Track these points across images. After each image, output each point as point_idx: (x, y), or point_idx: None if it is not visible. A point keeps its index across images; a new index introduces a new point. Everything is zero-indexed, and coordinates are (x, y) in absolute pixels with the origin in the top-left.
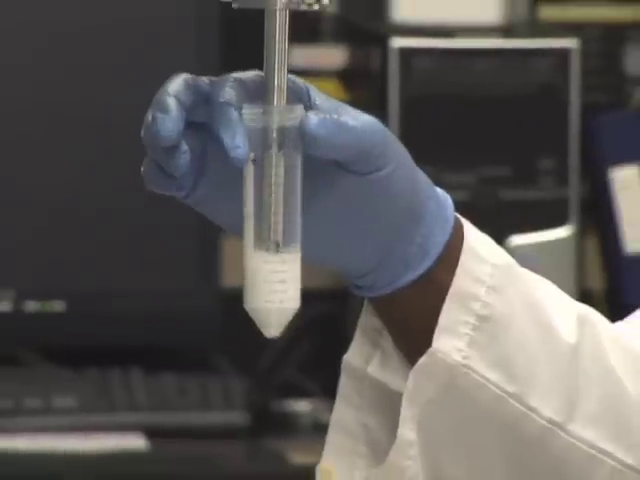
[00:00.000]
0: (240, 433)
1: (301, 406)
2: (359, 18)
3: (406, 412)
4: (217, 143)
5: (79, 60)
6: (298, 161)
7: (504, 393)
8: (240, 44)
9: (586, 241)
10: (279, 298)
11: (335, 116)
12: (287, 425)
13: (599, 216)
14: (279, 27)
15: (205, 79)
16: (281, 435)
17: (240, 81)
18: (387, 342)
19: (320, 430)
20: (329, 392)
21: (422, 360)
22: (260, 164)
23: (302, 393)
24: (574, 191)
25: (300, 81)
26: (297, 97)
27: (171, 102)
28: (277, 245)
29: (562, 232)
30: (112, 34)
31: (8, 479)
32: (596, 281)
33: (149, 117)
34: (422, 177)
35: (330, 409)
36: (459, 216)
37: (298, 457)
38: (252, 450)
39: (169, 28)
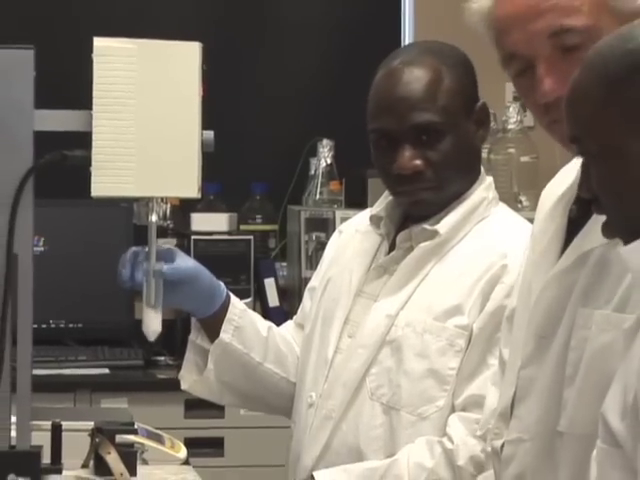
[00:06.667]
0: (139, 367)
1: (161, 358)
2: (182, 228)
3: (210, 357)
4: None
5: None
6: (161, 280)
7: (244, 354)
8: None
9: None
10: (154, 325)
11: (176, 264)
12: (154, 365)
13: (261, 297)
14: (153, 232)
15: (140, 248)
16: (153, 368)
17: (147, 251)
18: (204, 330)
19: (169, 365)
20: (173, 354)
21: (216, 341)
22: (148, 281)
23: (161, 354)
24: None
25: (173, 247)
26: (169, 253)
27: (127, 263)
28: (153, 306)
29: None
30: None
31: (58, 386)
32: None
33: (119, 268)
34: (213, 278)
35: (174, 361)
36: (229, 292)
37: (161, 375)
38: (146, 373)
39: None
